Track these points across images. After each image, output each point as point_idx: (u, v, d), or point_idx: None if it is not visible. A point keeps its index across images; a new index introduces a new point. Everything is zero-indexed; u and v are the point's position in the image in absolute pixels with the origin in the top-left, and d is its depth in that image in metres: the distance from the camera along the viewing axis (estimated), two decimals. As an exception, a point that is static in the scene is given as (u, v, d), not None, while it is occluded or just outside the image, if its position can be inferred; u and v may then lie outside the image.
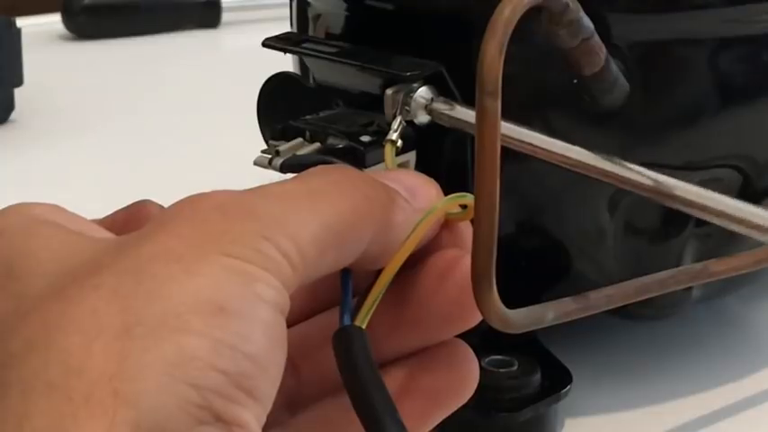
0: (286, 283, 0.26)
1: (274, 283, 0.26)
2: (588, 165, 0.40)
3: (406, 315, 0.31)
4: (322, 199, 0.28)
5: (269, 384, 0.25)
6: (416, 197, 0.31)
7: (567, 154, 0.41)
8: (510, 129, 0.41)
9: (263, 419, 0.25)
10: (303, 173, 0.29)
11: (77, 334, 0.24)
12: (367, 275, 0.30)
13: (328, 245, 0.27)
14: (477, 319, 0.31)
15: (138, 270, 0.25)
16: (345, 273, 0.30)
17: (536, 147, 0.41)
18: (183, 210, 0.27)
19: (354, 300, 0.30)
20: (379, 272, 0.30)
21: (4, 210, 0.28)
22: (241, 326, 0.25)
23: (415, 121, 0.43)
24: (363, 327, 0.29)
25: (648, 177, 0.40)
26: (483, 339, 0.35)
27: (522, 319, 0.31)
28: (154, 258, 0.25)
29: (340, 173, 0.29)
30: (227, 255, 0.25)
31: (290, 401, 0.32)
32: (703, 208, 0.39)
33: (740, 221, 0.39)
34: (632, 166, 0.40)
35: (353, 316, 0.29)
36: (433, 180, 0.32)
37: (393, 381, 0.31)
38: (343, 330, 0.29)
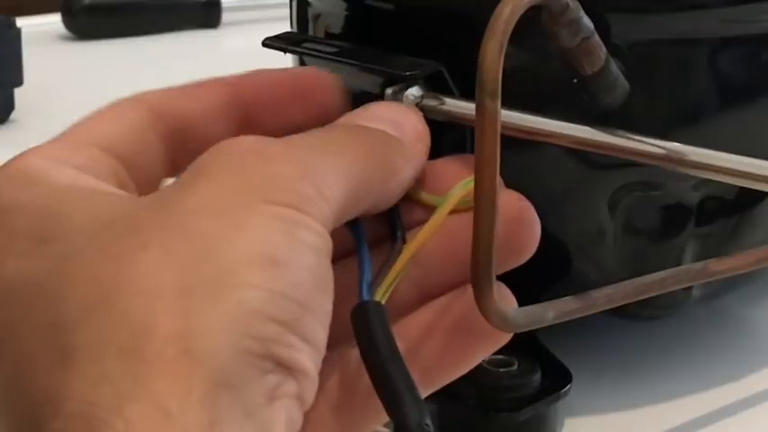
0: (325, 223, 0.27)
1: (317, 228, 0.26)
2: (596, 141, 0.40)
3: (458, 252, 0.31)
4: (340, 147, 0.29)
5: (320, 328, 0.26)
6: (403, 129, 0.32)
7: (573, 133, 0.40)
8: (511, 116, 0.40)
9: (319, 363, 0.26)
10: (310, 131, 0.30)
11: (137, 295, 0.24)
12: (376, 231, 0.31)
13: (353, 188, 0.28)
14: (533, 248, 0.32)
15: (184, 226, 0.25)
16: (356, 225, 0.30)
17: (540, 130, 0.40)
18: (219, 156, 0.27)
19: (373, 268, 0.30)
20: (395, 243, 0.31)
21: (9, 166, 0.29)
22: (292, 275, 0.25)
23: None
24: (383, 302, 0.29)
25: (657, 146, 0.39)
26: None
27: (522, 318, 0.31)
28: (197, 212, 0.25)
29: (343, 127, 0.31)
30: (271, 202, 0.26)
31: None
32: (718, 169, 0.38)
33: (759, 178, 0.38)
34: (637, 136, 0.39)
35: (373, 290, 0.30)
36: (411, 107, 0.34)
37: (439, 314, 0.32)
38: (363, 306, 0.29)
